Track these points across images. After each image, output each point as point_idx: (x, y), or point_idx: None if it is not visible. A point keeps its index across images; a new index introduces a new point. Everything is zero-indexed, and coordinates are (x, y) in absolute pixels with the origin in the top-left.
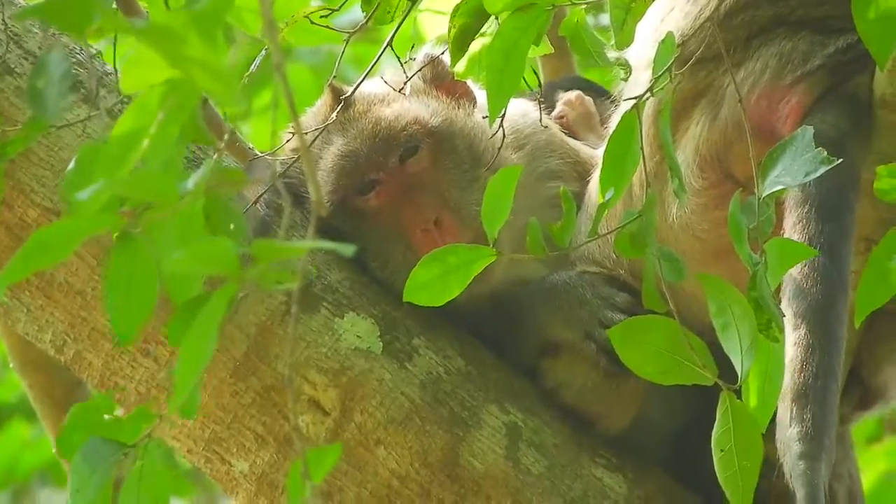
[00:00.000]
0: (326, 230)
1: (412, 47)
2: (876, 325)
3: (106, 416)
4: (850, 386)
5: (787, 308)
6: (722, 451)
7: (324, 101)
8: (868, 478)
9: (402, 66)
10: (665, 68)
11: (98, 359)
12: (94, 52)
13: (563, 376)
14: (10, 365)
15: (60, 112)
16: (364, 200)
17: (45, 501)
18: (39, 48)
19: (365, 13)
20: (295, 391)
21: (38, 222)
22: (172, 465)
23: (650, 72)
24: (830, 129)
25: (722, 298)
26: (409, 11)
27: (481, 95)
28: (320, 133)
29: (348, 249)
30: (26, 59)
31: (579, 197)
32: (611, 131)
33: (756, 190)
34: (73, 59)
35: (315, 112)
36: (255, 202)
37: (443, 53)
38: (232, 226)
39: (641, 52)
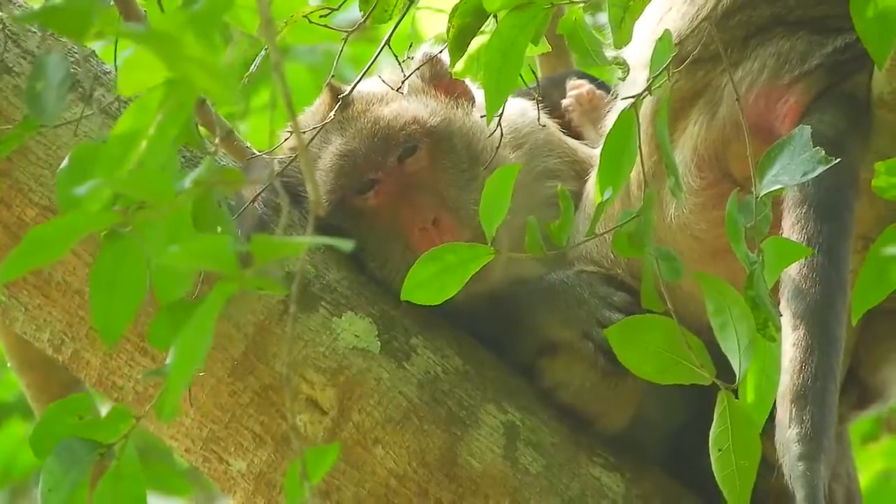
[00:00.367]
0: (325, 229)
1: (410, 46)
2: (874, 324)
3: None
4: (847, 385)
5: (786, 308)
6: (720, 450)
7: (322, 100)
8: (865, 477)
9: (399, 65)
10: (663, 67)
11: (96, 358)
12: (89, 51)
13: (560, 376)
14: (8, 364)
15: (58, 113)
16: (363, 200)
17: None
18: (38, 47)
19: (363, 12)
20: (293, 390)
21: (37, 221)
22: (169, 463)
23: (647, 72)
24: (828, 128)
25: (720, 298)
26: (407, 10)
27: (480, 95)
28: (318, 132)
29: (347, 245)
30: (24, 58)
31: (577, 196)
32: (608, 130)
33: (753, 189)
34: (71, 58)
35: (314, 111)
36: (253, 201)
37: (441, 52)
38: (220, 229)
39: (639, 52)
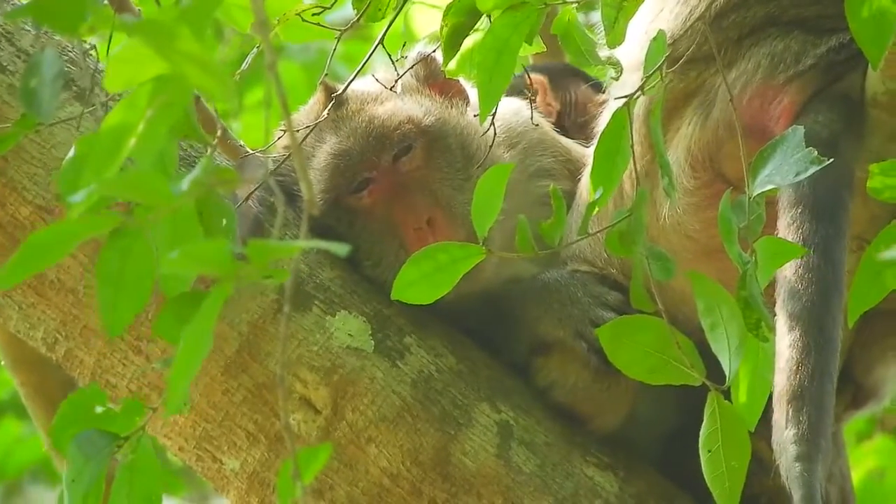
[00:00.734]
0: (319, 229)
1: (404, 45)
2: (869, 324)
3: (98, 408)
4: (842, 385)
5: (782, 309)
6: (709, 451)
7: (316, 98)
8: (858, 475)
9: (393, 63)
10: (656, 67)
11: (89, 356)
12: (88, 47)
13: (554, 375)
14: (2, 362)
15: (53, 110)
16: (357, 199)
17: (36, 498)
18: (32, 46)
19: (356, 10)
20: (286, 389)
21: (31, 220)
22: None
23: (640, 72)
24: (823, 128)
25: (710, 298)
26: (400, 9)
27: (474, 94)
28: (311, 131)
29: (342, 249)
30: (18, 57)
31: (571, 195)
32: (601, 130)
33: (746, 189)
34: (66, 57)
35: (308, 110)
36: (247, 199)
37: (435, 51)
38: (224, 221)
39: (631, 52)
